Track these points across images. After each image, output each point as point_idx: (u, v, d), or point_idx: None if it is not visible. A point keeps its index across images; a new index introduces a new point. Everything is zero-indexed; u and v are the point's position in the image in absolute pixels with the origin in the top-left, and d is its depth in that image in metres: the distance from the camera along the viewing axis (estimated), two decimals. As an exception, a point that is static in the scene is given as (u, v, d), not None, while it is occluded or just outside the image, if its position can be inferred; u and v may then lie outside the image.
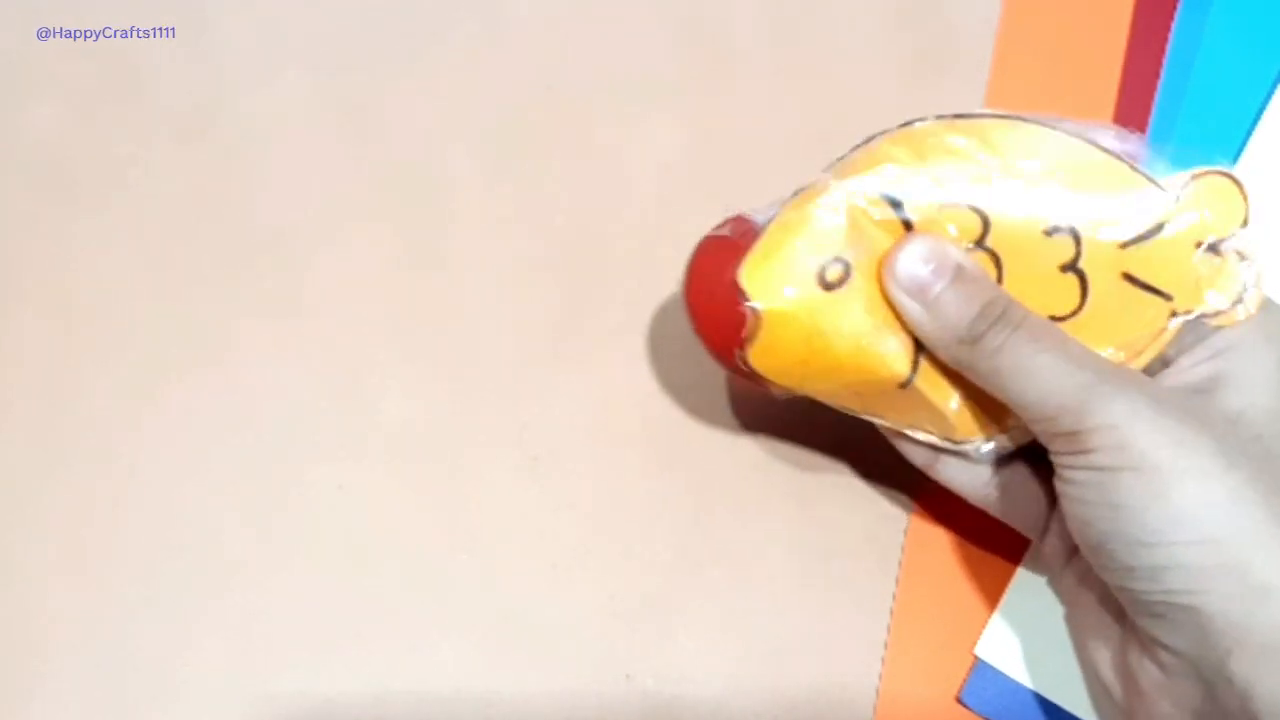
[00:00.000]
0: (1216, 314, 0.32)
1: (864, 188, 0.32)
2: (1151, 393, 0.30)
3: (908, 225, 0.31)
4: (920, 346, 0.32)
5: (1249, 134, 0.41)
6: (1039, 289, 0.32)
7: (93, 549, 0.37)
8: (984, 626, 0.36)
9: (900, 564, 0.37)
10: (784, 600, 0.37)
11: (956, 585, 0.37)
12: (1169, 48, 0.42)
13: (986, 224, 0.31)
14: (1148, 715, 0.31)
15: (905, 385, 0.32)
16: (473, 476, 0.38)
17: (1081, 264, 0.32)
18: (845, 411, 0.34)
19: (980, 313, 0.31)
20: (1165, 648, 0.29)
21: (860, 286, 0.31)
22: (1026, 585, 0.37)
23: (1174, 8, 0.42)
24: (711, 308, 0.33)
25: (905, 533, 0.37)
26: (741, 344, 0.32)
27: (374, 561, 0.37)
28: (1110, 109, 0.42)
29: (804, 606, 0.37)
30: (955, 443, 0.33)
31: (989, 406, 0.32)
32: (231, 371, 0.39)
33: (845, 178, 0.32)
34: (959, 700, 0.36)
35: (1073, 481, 0.30)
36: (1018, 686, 0.36)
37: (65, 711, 0.36)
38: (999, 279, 0.31)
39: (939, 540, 0.37)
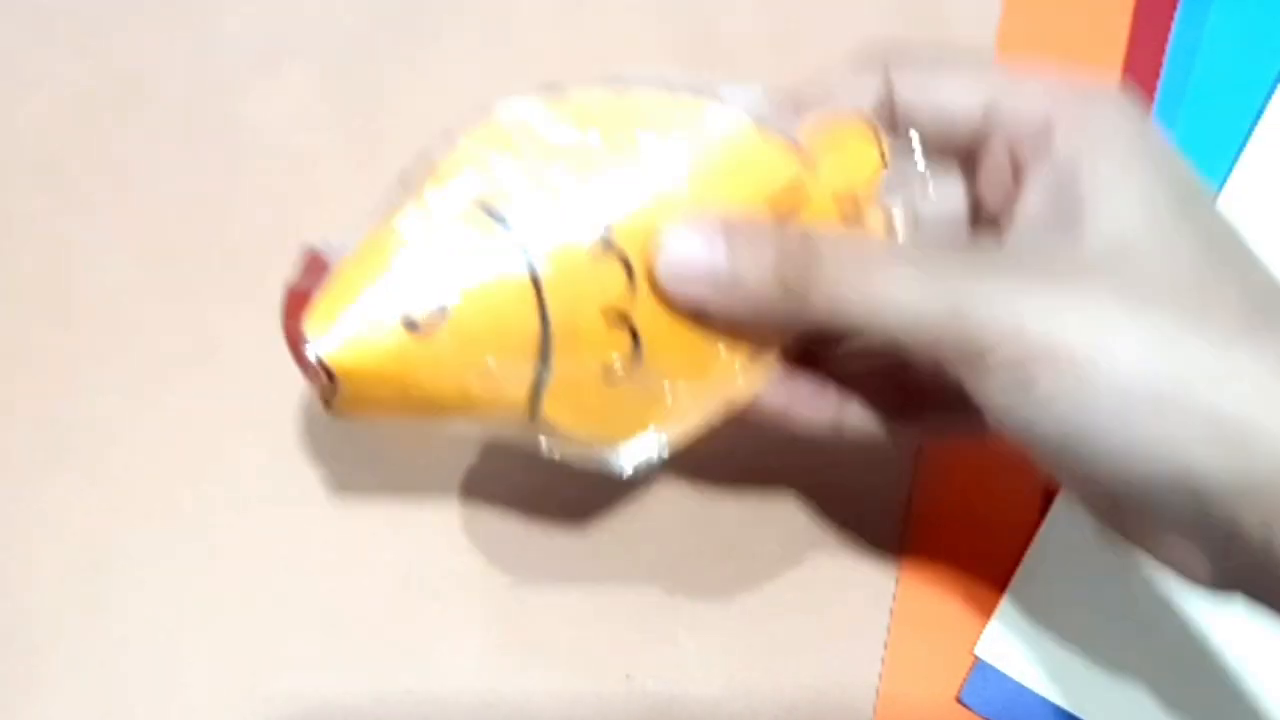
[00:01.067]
0: None
1: (454, 202, 0.27)
2: (1024, 274, 0.26)
3: (515, 237, 0.27)
4: (540, 384, 0.28)
5: (1249, 134, 0.41)
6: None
7: (92, 549, 0.37)
8: (984, 626, 0.36)
9: (900, 564, 0.37)
10: (784, 600, 0.37)
11: (956, 585, 0.37)
12: (1169, 48, 0.42)
13: (611, 223, 0.27)
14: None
15: (529, 413, 0.28)
16: (472, 476, 0.38)
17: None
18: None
19: (784, 264, 0.27)
20: (1170, 544, 0.26)
21: (462, 321, 0.27)
22: (1027, 585, 0.37)
23: (1174, 8, 0.43)
24: (294, 354, 0.28)
25: (905, 533, 0.37)
26: (324, 399, 0.27)
27: (374, 561, 0.37)
28: (1110, 109, 0.42)
29: (804, 606, 0.37)
30: (589, 458, 0.30)
31: (630, 414, 0.29)
32: (231, 371, 0.39)
33: (429, 189, 0.28)
34: (959, 700, 0.36)
35: (994, 408, 0.26)
36: (1018, 686, 0.36)
37: (65, 711, 0.36)
38: (630, 276, 0.27)
39: (939, 540, 0.37)
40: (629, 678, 0.36)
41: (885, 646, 0.36)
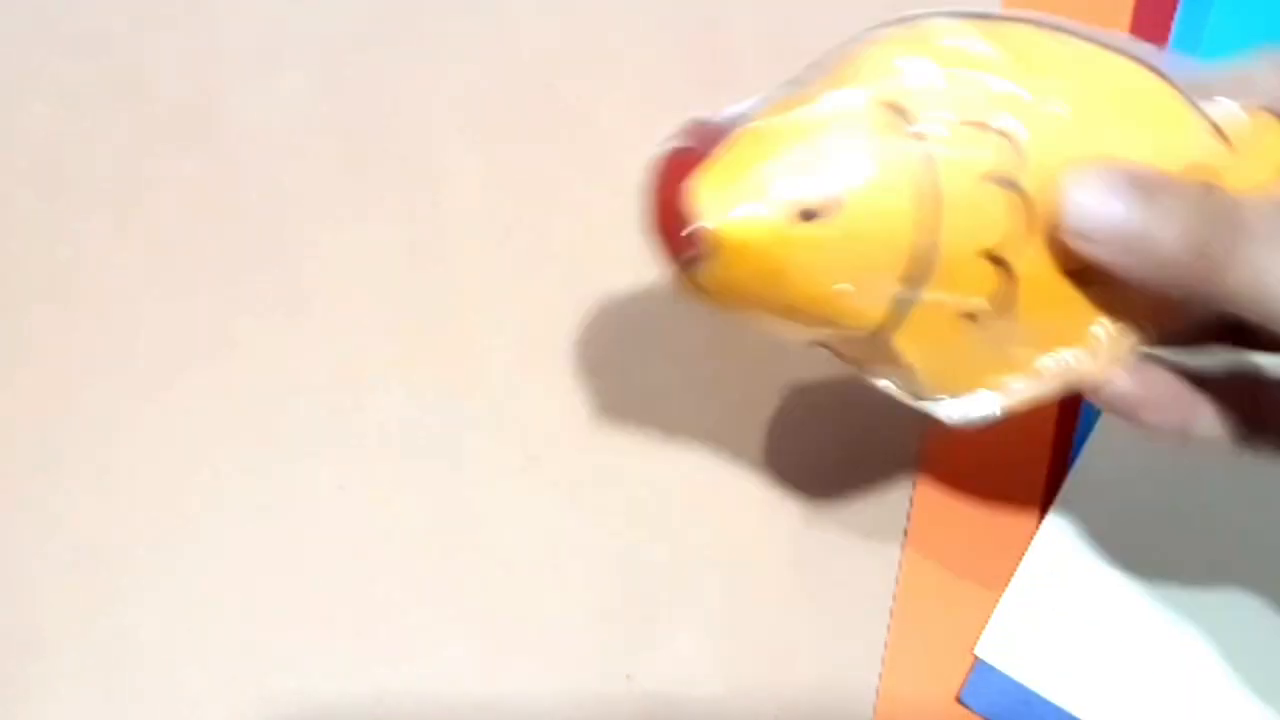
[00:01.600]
0: None
1: (866, 96, 0.25)
2: None
3: (922, 139, 0.25)
4: (907, 300, 0.26)
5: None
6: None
7: (93, 548, 0.37)
8: (984, 626, 0.36)
9: (900, 564, 0.37)
10: (784, 600, 0.37)
11: (956, 585, 0.37)
12: (1169, 48, 0.42)
13: (1018, 152, 0.25)
14: None
15: (877, 335, 0.27)
16: (473, 476, 0.38)
17: None
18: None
19: (1202, 226, 0.25)
20: None
21: (854, 218, 0.25)
22: (1027, 585, 0.37)
23: (1174, 8, 0.43)
24: (662, 216, 0.27)
25: (905, 532, 0.37)
26: (684, 266, 0.26)
27: (374, 561, 0.37)
28: (1110, 109, 0.42)
29: (804, 606, 0.37)
30: (917, 398, 0.28)
31: (992, 365, 0.28)
32: (231, 371, 0.39)
33: (841, 85, 0.26)
34: (959, 700, 0.36)
35: None
36: (1018, 687, 0.36)
37: (65, 711, 0.36)
38: (1020, 220, 0.26)
39: (939, 540, 0.37)
40: (629, 678, 0.36)
41: (885, 646, 0.36)
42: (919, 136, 0.25)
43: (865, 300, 0.26)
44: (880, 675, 0.36)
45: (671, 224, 0.26)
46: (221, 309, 0.40)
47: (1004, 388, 0.28)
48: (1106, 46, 0.27)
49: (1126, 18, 0.43)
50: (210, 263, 0.41)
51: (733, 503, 0.38)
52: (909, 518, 0.38)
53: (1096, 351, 0.28)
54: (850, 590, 0.37)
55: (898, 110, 0.25)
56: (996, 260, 0.26)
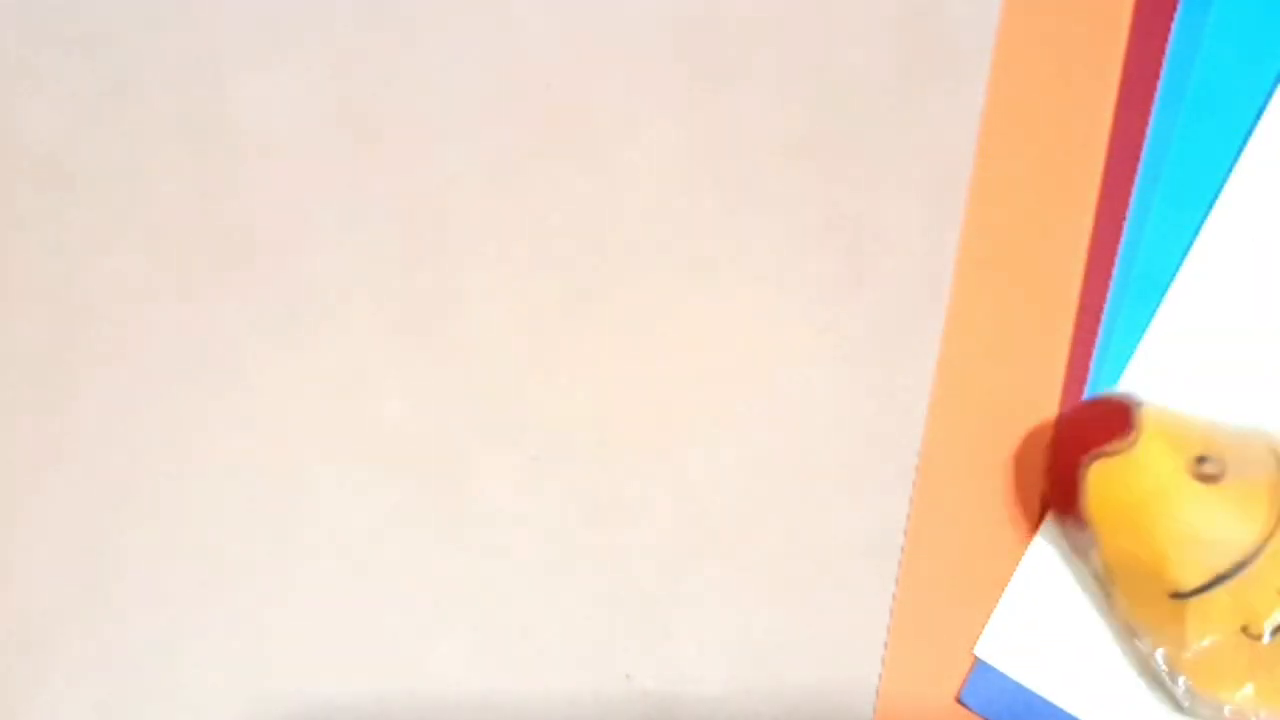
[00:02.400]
0: None
1: (1261, 439, 0.34)
2: None
3: None
4: (1218, 582, 0.32)
5: (1249, 134, 0.41)
6: None
7: (93, 549, 0.37)
8: (984, 627, 0.36)
9: (900, 564, 0.37)
10: (784, 600, 0.37)
11: (956, 585, 0.37)
12: (1169, 48, 0.42)
13: None
14: None
15: (1178, 597, 0.33)
16: (473, 476, 0.38)
17: None
18: (1091, 567, 0.34)
19: None
20: None
21: (1218, 497, 0.32)
22: (1026, 585, 0.37)
23: (1174, 8, 0.42)
24: (1090, 417, 0.35)
25: (905, 533, 0.37)
26: (1097, 453, 0.33)
27: (374, 561, 0.37)
28: (1110, 109, 0.42)
29: (804, 606, 0.37)
30: (1170, 671, 0.34)
31: (1230, 671, 0.33)
32: (231, 371, 0.39)
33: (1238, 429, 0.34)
34: (959, 701, 0.36)
35: None
36: (1018, 687, 0.36)
37: (65, 711, 0.36)
38: None
39: (939, 540, 0.37)
40: (629, 678, 0.36)
41: (885, 646, 0.36)
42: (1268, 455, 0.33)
43: (1200, 560, 0.32)
44: (880, 675, 0.36)
45: (1099, 422, 0.34)
46: (221, 308, 0.40)
47: (1240, 709, 0.33)
48: None
49: (1126, 18, 0.43)
50: (210, 262, 0.41)
51: (733, 503, 0.38)
52: (909, 518, 0.38)
53: None
54: (850, 590, 0.37)
55: (1276, 455, 0.33)
56: None
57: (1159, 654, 0.34)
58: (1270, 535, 0.32)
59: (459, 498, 0.38)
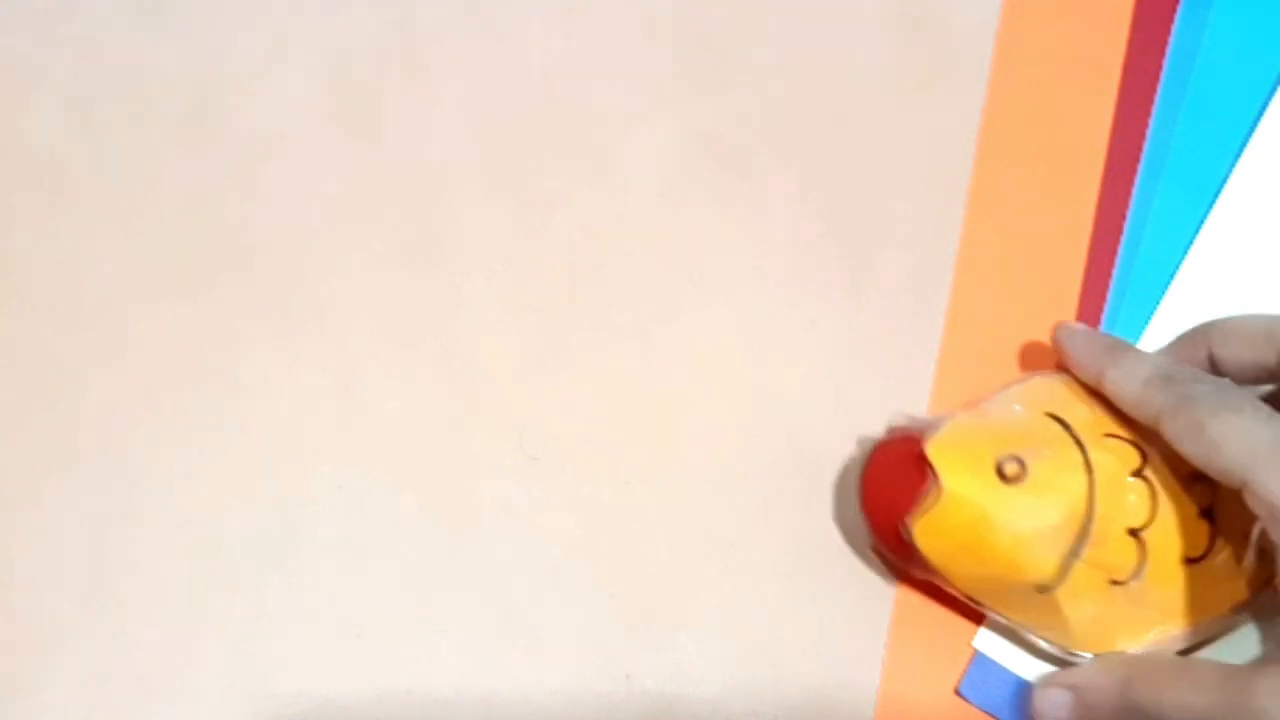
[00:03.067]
0: None
1: (1037, 409, 0.35)
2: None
3: (1079, 444, 0.34)
4: (1071, 561, 0.33)
5: (1249, 134, 0.41)
6: (1180, 527, 0.33)
7: (92, 549, 0.37)
8: (983, 620, 0.36)
9: (900, 564, 0.37)
10: (784, 600, 0.37)
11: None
12: (1169, 48, 0.42)
13: (1145, 457, 0.34)
14: None
15: (1045, 591, 0.33)
16: (473, 477, 0.38)
17: (1215, 512, 0.34)
18: (968, 599, 0.35)
19: (1122, 693, 0.32)
20: None
21: (1031, 488, 0.33)
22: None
23: (1174, 8, 0.42)
24: (889, 477, 0.35)
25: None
26: (909, 517, 0.33)
27: (374, 561, 0.37)
28: (1110, 109, 0.42)
29: (804, 606, 0.37)
30: (1070, 653, 0.34)
31: (1117, 623, 0.34)
32: (230, 371, 0.39)
33: (1019, 402, 0.35)
34: (958, 693, 0.36)
35: None
36: (1016, 679, 0.36)
37: (65, 711, 0.36)
38: (1152, 512, 0.33)
39: (939, 540, 0.37)
40: (629, 678, 0.36)
41: (885, 643, 0.36)
42: (1078, 441, 0.34)
43: (1045, 552, 0.33)
44: (880, 673, 0.36)
45: (900, 484, 0.34)
46: (221, 308, 0.40)
47: (1130, 647, 0.34)
48: None
49: (1126, 18, 0.43)
50: (210, 262, 0.41)
51: (733, 502, 0.38)
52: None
53: (1209, 626, 0.34)
54: (850, 589, 0.37)
55: (1061, 421, 0.34)
56: (1137, 537, 0.33)
57: (1055, 647, 0.34)
58: (1091, 496, 0.33)
59: (459, 497, 0.38)
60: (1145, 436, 0.34)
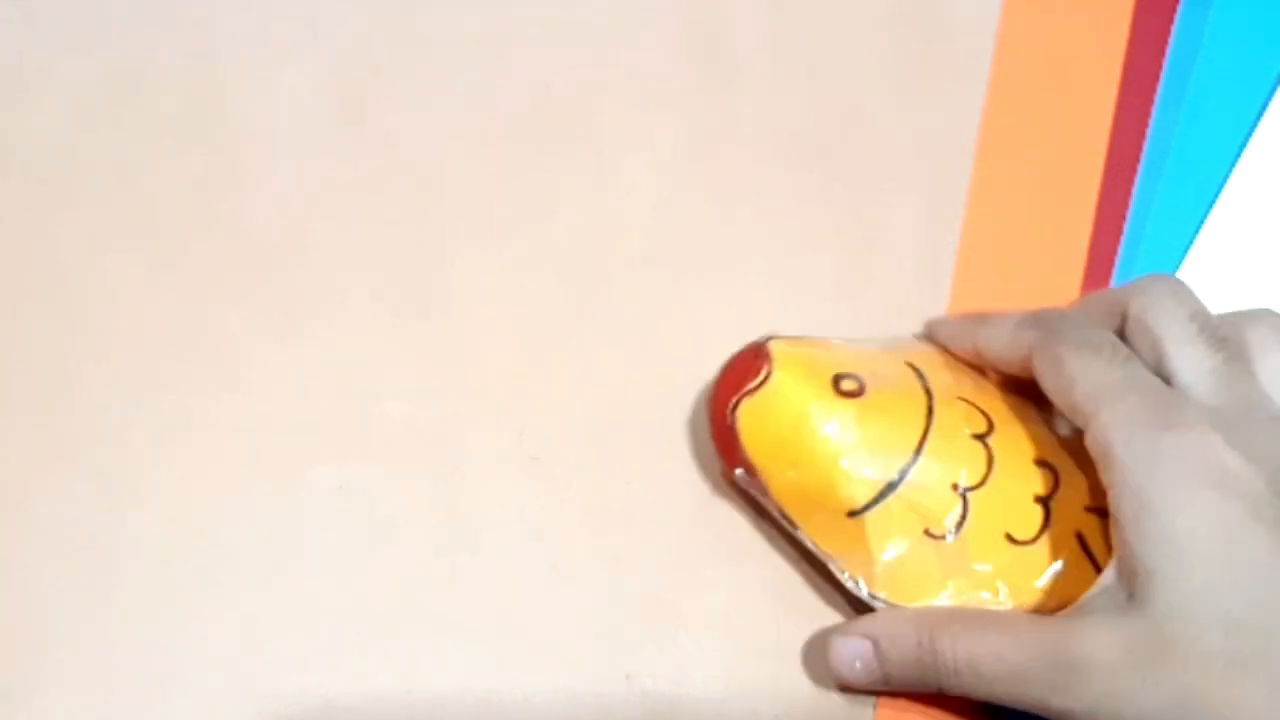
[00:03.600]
0: None
1: (897, 355, 0.35)
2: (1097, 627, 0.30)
3: (928, 392, 0.33)
4: (888, 491, 0.33)
5: (1249, 134, 0.41)
6: (1011, 506, 0.33)
7: (92, 549, 0.37)
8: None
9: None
10: (784, 599, 0.37)
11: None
12: (1169, 48, 0.42)
13: (992, 426, 0.33)
14: None
15: (854, 515, 0.33)
16: (473, 477, 0.38)
17: (1052, 504, 0.33)
18: (773, 511, 0.34)
19: (919, 648, 0.32)
20: None
21: (864, 408, 0.33)
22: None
23: (1174, 8, 0.43)
24: (733, 370, 0.35)
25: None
26: (740, 395, 0.33)
27: (374, 561, 0.37)
28: (1110, 109, 0.42)
29: (804, 605, 0.37)
30: (873, 595, 0.34)
31: (924, 577, 0.33)
32: (230, 371, 0.39)
33: (879, 346, 0.35)
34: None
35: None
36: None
37: (65, 711, 0.36)
38: (987, 473, 0.33)
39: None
40: (629, 678, 0.36)
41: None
42: (927, 390, 0.34)
43: (863, 474, 0.33)
44: (880, 675, 0.36)
45: (739, 369, 0.34)
46: (221, 308, 0.40)
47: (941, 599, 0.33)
48: None
49: (1126, 18, 0.43)
50: (210, 262, 0.41)
51: (733, 502, 0.38)
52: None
53: (1032, 591, 0.33)
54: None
55: (916, 370, 0.34)
56: (962, 496, 0.33)
57: (856, 580, 0.34)
58: (925, 436, 0.33)
59: (458, 496, 0.38)
60: (1001, 415, 0.34)
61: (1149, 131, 0.41)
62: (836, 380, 0.33)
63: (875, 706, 0.36)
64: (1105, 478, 0.31)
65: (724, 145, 0.42)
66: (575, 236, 0.41)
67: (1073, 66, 0.42)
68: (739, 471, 0.35)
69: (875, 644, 0.33)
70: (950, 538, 0.33)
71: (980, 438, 0.33)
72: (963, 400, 0.34)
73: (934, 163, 0.41)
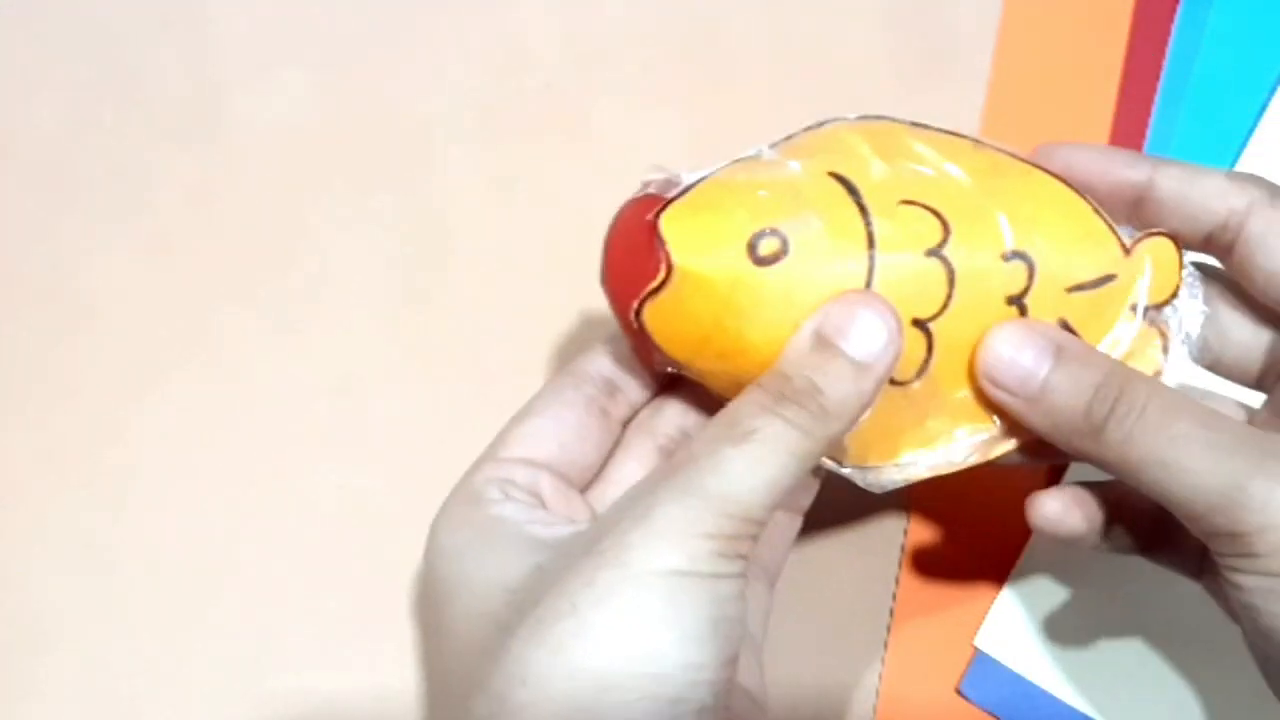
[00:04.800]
0: None
1: (818, 167, 0.28)
2: None
3: (863, 210, 0.28)
4: None
5: (1249, 134, 0.41)
6: (982, 314, 0.29)
7: (92, 548, 0.37)
8: (984, 618, 0.36)
9: (901, 556, 0.37)
10: (784, 600, 0.37)
11: (956, 577, 0.37)
12: (1169, 48, 0.42)
13: (947, 231, 0.28)
14: None
15: None
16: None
17: (1028, 299, 0.29)
18: (720, 396, 0.29)
19: (1095, 396, 0.27)
20: None
21: (793, 268, 0.27)
22: (1026, 577, 0.37)
23: (1174, 8, 0.43)
24: (622, 253, 0.29)
25: (905, 528, 0.37)
26: (641, 298, 0.28)
27: (374, 561, 0.37)
28: (1110, 109, 0.42)
29: (804, 606, 0.37)
30: (842, 467, 0.30)
31: (898, 430, 0.30)
32: (231, 371, 0.39)
33: (799, 156, 0.29)
34: (958, 691, 0.36)
35: (1242, 587, 0.26)
36: (1017, 677, 0.36)
37: (65, 711, 0.36)
38: (949, 293, 0.28)
39: (939, 533, 0.37)
40: (629, 677, 0.36)
41: (886, 642, 0.36)
42: (861, 208, 0.28)
43: None
44: (881, 673, 0.36)
45: (631, 259, 0.28)
46: (222, 308, 0.40)
47: (917, 458, 0.30)
48: (1035, 166, 0.30)
49: (1126, 18, 0.43)
50: (211, 262, 0.41)
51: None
52: (909, 511, 0.38)
53: (996, 441, 0.30)
54: (851, 588, 0.37)
55: (845, 183, 0.28)
56: (923, 329, 0.28)
57: (826, 460, 0.30)
58: (870, 275, 0.28)
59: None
60: (954, 204, 0.28)
61: (1149, 131, 0.41)
62: (752, 246, 0.27)
63: (876, 704, 0.36)
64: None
65: (724, 145, 0.41)
66: (575, 236, 0.41)
67: (1073, 66, 0.42)
68: (668, 368, 0.30)
69: (1048, 377, 0.28)
70: (918, 382, 0.29)
71: (935, 252, 0.28)
72: (907, 204, 0.28)
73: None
